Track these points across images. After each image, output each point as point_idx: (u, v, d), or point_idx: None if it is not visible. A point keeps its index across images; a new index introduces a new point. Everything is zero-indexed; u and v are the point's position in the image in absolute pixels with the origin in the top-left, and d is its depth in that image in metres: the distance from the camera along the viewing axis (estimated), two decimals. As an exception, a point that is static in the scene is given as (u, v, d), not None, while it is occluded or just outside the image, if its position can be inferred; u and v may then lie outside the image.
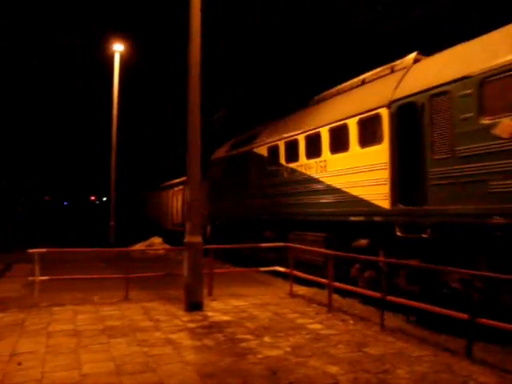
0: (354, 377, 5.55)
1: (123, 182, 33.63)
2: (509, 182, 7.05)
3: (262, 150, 14.80)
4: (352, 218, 10.35)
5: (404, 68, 10.01)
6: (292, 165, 13.02)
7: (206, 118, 23.35)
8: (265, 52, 33.43)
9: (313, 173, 12.01)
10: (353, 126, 10.53)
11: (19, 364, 6.10)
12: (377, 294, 8.09)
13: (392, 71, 10.51)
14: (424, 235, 8.37)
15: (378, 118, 9.77)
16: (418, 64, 9.71)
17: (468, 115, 7.75)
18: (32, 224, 41.23)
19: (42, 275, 10.46)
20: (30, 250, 9.69)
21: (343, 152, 10.87)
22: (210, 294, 10.60)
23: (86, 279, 11.72)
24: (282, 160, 13.56)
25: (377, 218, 9.62)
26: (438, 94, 8.33)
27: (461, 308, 6.77)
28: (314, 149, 12.02)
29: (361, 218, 10.07)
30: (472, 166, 7.63)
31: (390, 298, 7.81)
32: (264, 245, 12.08)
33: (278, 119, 15.31)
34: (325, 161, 11.55)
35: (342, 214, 10.70)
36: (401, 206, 9.01)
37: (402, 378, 5.56)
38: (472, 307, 6.57)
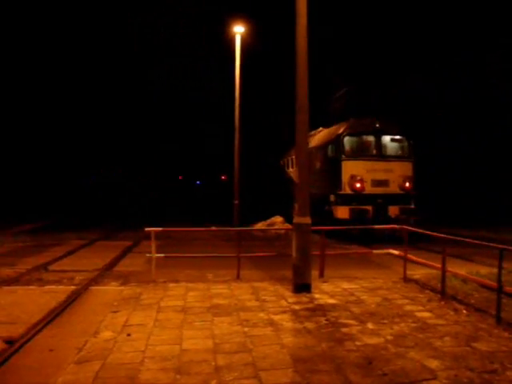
0: (455, 374, 5.16)
1: (250, 162, 34.43)
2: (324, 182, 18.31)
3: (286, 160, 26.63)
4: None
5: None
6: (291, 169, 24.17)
7: (326, 97, 23.06)
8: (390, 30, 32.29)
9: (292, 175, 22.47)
10: None
11: (129, 335, 6.53)
12: (493, 284, 7.47)
13: (317, 132, 21.59)
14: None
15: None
16: (316, 134, 21.31)
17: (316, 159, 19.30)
18: (163, 203, 43.79)
19: (165, 252, 11.07)
20: (147, 229, 10.26)
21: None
22: (321, 275, 10.51)
23: (204, 257, 12.17)
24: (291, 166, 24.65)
25: None
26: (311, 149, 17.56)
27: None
28: (292, 164, 23.18)
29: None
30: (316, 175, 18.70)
31: (509, 289, 7.16)
32: (377, 226, 11.70)
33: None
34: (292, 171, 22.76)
35: None
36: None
37: (510, 381, 5.06)
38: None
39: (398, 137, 17.87)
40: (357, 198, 16.76)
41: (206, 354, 5.77)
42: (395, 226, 11.39)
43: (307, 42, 9.13)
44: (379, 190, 16.93)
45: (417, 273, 10.69)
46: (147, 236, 14.24)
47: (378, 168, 17.16)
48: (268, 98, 42.46)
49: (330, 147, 18.26)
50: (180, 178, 74.56)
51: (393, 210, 16.91)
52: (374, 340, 6.31)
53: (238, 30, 21.32)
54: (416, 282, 10.01)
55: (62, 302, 8.30)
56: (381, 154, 17.50)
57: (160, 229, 10.43)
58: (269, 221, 20.77)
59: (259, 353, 5.83)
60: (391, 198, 16.95)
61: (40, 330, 6.83)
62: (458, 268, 9.83)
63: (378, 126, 17.68)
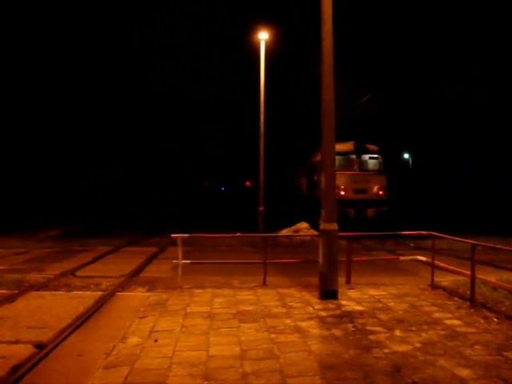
0: (487, 383, 5.07)
1: (274, 167, 34.59)
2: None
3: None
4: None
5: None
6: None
7: (350, 103, 23.06)
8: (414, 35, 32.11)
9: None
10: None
11: (156, 341, 6.57)
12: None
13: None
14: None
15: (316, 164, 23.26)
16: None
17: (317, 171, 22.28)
18: (191, 208, 44.00)
19: (191, 258, 11.09)
20: (173, 235, 10.31)
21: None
22: (347, 282, 10.42)
23: (230, 263, 12.18)
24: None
25: None
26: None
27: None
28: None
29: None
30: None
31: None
32: (404, 233, 11.56)
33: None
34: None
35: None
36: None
37: (543, 389, 4.94)
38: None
39: (374, 155, 22.84)
40: (342, 202, 20.33)
41: (232, 361, 5.77)
42: (422, 232, 11.23)
43: (333, 47, 9.10)
44: (359, 197, 21.76)
45: (445, 279, 10.53)
46: (173, 242, 14.37)
47: (358, 180, 22.15)
48: (290, 103, 42.50)
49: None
50: (206, 184, 74.92)
51: (369, 212, 21.56)
52: (402, 347, 6.23)
53: (263, 36, 21.21)
54: (444, 288, 9.86)
55: (90, 308, 8.39)
56: (361, 169, 22.53)
57: (186, 235, 10.48)
58: (294, 227, 20.61)
59: (286, 359, 5.80)
60: (368, 203, 21.65)
61: (68, 335, 6.92)
62: (488, 275, 9.64)
63: (359, 147, 22.60)
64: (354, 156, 22.54)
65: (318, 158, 20.16)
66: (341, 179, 21.24)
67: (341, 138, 19.34)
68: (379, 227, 18.65)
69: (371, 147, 22.93)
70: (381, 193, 22.06)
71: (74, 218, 30.87)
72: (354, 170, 22.47)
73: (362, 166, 22.65)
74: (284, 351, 6.11)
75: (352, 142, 22.58)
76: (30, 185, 43.37)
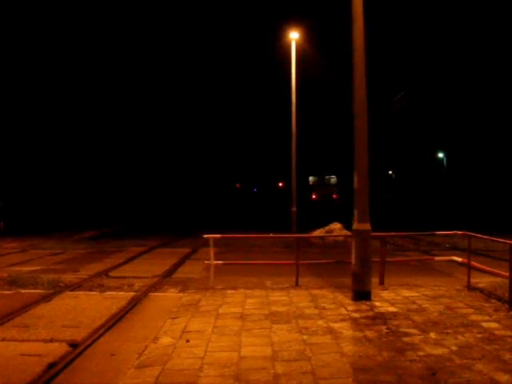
0: (527, 388, 4.90)
1: (307, 168, 35.01)
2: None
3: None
4: None
5: None
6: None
7: (384, 100, 22.72)
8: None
9: None
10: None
11: (187, 341, 6.56)
12: None
13: None
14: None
15: None
16: None
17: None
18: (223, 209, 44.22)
19: (223, 259, 11.13)
20: (205, 236, 10.34)
21: None
22: (381, 283, 10.26)
23: (262, 264, 12.16)
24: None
25: None
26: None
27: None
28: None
29: None
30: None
31: None
32: (439, 232, 11.32)
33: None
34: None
35: None
36: None
37: None
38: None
39: (332, 176, 47.58)
40: (315, 202, 43.31)
41: (264, 362, 5.72)
42: (458, 231, 10.99)
43: (364, 44, 8.98)
44: (324, 199, 45.79)
45: (482, 281, 10.27)
46: (206, 243, 14.43)
47: (323, 190, 48.91)
48: (321, 104, 42.62)
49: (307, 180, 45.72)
50: (238, 185, 75.00)
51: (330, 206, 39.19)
52: (437, 350, 6.07)
53: (293, 36, 21.13)
54: (481, 290, 9.61)
55: (123, 308, 8.49)
56: (325, 184, 50.73)
57: (219, 235, 10.50)
58: (327, 228, 20.44)
59: (318, 361, 5.72)
60: (328, 202, 40.45)
61: (102, 335, 7.00)
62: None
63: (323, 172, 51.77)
64: (322, 177, 40.65)
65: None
66: (315, 189, 40.57)
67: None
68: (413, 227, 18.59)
69: (332, 173, 37.26)
70: (334, 196, 43.05)
71: (108, 220, 31.39)
72: (321, 185, 43.10)
73: (326, 182, 41.47)
74: (316, 353, 6.03)
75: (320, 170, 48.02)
76: (73, 189, 44.42)
